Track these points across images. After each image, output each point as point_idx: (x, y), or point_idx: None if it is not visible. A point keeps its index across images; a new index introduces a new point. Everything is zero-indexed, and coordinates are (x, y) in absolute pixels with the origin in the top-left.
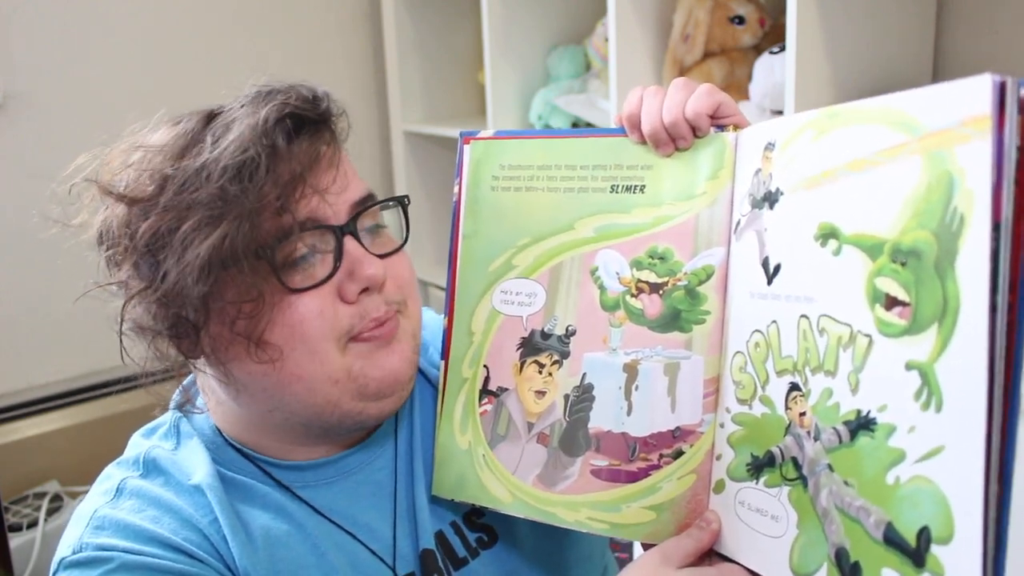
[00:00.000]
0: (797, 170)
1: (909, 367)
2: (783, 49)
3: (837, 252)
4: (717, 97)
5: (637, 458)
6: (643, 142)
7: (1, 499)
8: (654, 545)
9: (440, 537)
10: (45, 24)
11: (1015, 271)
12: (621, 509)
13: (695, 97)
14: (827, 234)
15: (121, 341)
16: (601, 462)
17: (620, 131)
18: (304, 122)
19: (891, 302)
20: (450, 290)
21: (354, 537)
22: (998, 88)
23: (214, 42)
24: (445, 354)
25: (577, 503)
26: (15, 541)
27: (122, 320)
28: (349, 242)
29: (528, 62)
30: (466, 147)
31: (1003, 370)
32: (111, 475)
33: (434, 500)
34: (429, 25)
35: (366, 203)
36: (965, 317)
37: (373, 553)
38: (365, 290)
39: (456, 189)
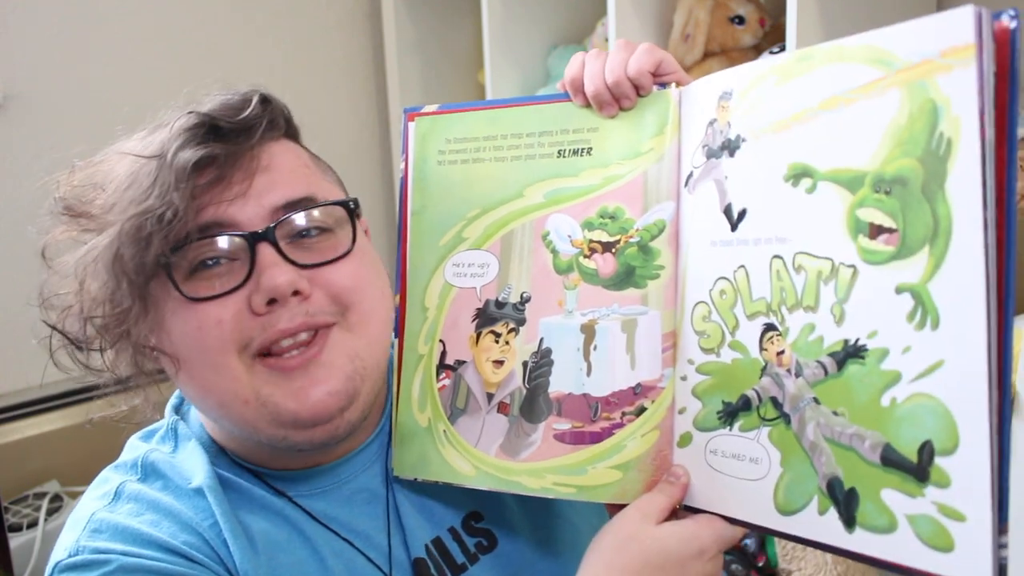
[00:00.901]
0: (762, 115)
1: (900, 290)
2: (783, 49)
3: (811, 189)
4: (657, 55)
5: (600, 418)
6: (587, 105)
7: (1, 499)
8: (621, 508)
9: (437, 544)
10: (45, 24)
11: (1000, 190)
12: (587, 471)
13: (636, 56)
14: (799, 174)
15: (51, 351)
16: (563, 425)
17: (564, 96)
18: (214, 130)
19: (876, 230)
20: (400, 268)
21: (351, 544)
22: (978, 18)
23: (214, 42)
24: (400, 332)
25: (542, 470)
26: (15, 541)
27: (55, 330)
28: (263, 249)
29: (528, 62)
30: (411, 124)
31: (996, 284)
32: (108, 479)
33: (426, 507)
34: (429, 25)
35: (296, 207)
36: (959, 235)
37: (370, 560)
38: (274, 301)
39: (403, 166)
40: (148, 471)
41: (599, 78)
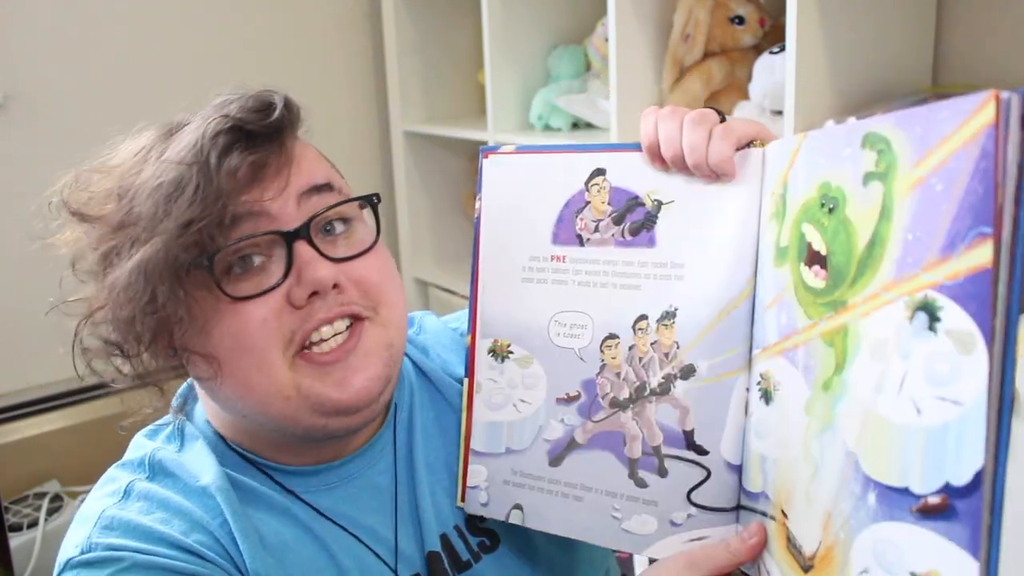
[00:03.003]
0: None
1: None
2: (783, 49)
3: None
4: (733, 138)
5: None
6: (665, 168)
7: (1, 499)
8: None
9: (444, 540)
10: (45, 24)
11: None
12: None
13: (716, 142)
14: None
15: (74, 356)
16: None
17: (636, 146)
18: (247, 135)
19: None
20: (472, 307)
21: (359, 540)
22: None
23: (214, 42)
24: (470, 372)
25: None
26: (15, 541)
27: (76, 334)
28: (300, 246)
29: (528, 62)
30: (486, 161)
31: None
32: (116, 477)
33: (436, 503)
34: (429, 25)
35: (319, 191)
36: None
37: (377, 556)
38: (315, 294)
39: (477, 205)
40: (156, 469)
41: (675, 144)
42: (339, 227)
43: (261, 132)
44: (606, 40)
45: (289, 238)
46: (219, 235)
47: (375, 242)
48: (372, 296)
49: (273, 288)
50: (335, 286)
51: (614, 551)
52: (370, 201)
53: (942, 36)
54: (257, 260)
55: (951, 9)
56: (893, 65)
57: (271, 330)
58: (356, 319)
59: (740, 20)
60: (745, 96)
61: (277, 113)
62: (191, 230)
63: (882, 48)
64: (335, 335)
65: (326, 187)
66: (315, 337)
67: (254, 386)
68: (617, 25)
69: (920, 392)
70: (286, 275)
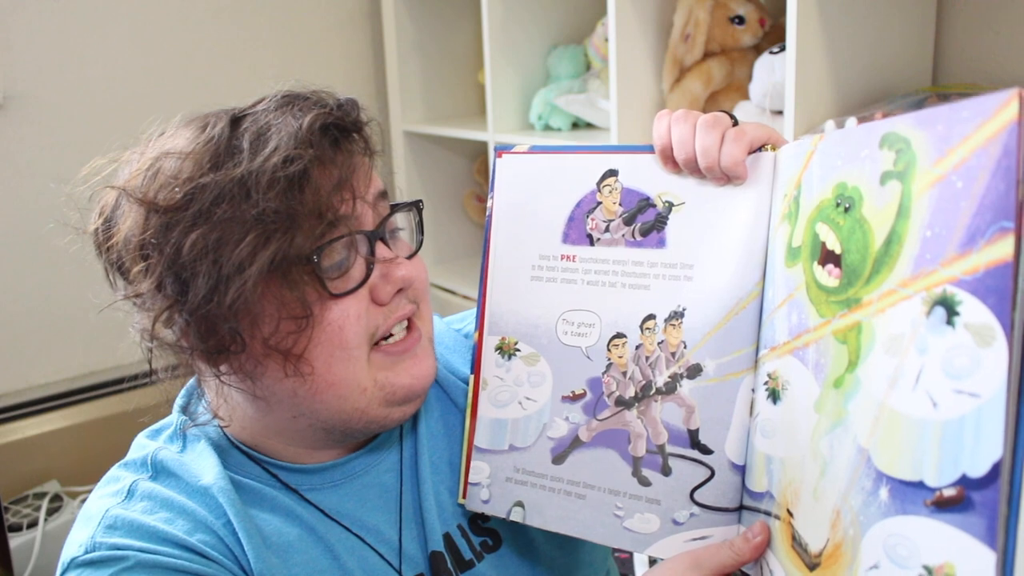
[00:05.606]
0: None
1: None
2: (783, 49)
3: None
4: (746, 140)
5: None
6: (678, 171)
7: (1, 499)
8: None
9: (447, 539)
10: (45, 24)
11: None
12: None
13: (728, 145)
14: None
15: (150, 358)
16: None
17: (648, 148)
18: (341, 130)
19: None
20: (481, 305)
21: (362, 540)
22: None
23: (214, 42)
24: (475, 369)
25: None
26: (15, 541)
27: (153, 336)
28: (381, 246)
29: (528, 62)
30: (499, 161)
31: None
32: (119, 477)
33: (440, 502)
34: (429, 25)
35: (384, 197)
36: None
37: (380, 556)
38: (400, 291)
39: (489, 203)
40: (159, 469)
41: (688, 147)
42: (397, 231)
43: (349, 127)
44: (606, 40)
45: (373, 238)
46: (325, 231)
47: (419, 245)
48: (420, 294)
49: (361, 284)
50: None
51: (614, 551)
52: (416, 206)
53: (942, 36)
54: (343, 258)
55: (951, 9)
56: (893, 65)
57: (362, 325)
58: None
59: (740, 20)
60: (745, 96)
61: (356, 111)
62: (313, 220)
63: (882, 48)
64: (402, 329)
65: (386, 193)
66: (388, 333)
67: (337, 381)
68: (617, 25)
69: (937, 386)
70: (369, 272)
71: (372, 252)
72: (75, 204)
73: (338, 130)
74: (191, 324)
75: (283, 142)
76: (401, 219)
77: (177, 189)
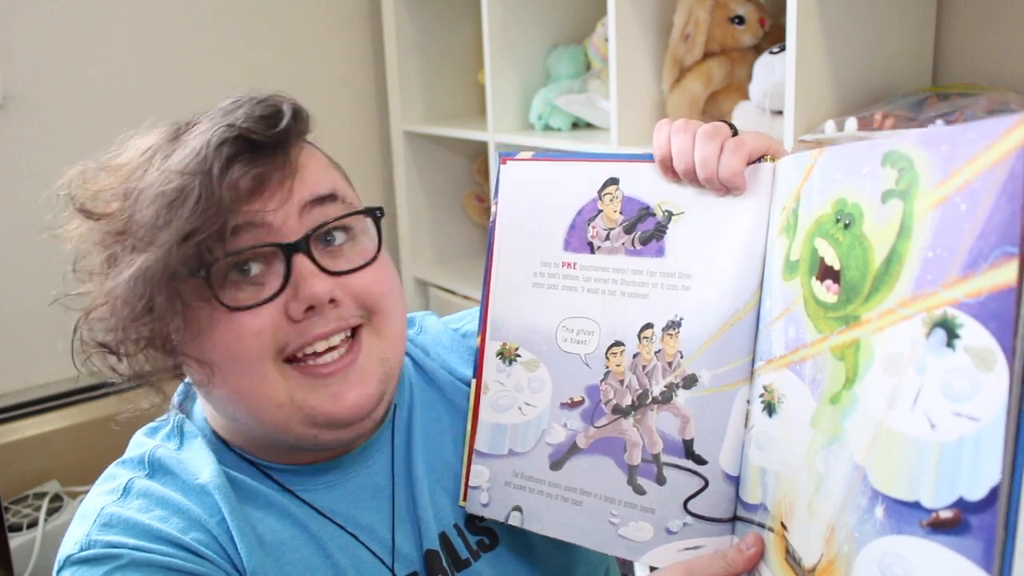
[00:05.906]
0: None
1: None
2: (783, 49)
3: None
4: (745, 151)
5: None
6: (677, 180)
7: (1, 499)
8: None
9: (443, 538)
10: (45, 24)
11: None
12: None
13: (727, 156)
14: None
15: (73, 353)
16: None
17: (649, 157)
18: (251, 144)
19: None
20: (483, 309)
21: (355, 538)
22: None
23: (214, 42)
24: (477, 373)
25: None
26: (15, 541)
27: (75, 331)
28: (299, 259)
29: (528, 62)
30: (503, 168)
31: None
32: (116, 474)
33: (436, 502)
34: (429, 25)
35: (322, 202)
36: None
37: (373, 554)
38: (311, 308)
39: (493, 210)
40: (156, 467)
41: (688, 158)
42: (340, 237)
43: (266, 142)
44: (606, 40)
45: (288, 251)
46: (218, 247)
47: (377, 254)
48: (368, 305)
49: (269, 300)
50: (331, 300)
51: None
52: (372, 215)
53: (942, 36)
54: (255, 270)
55: (951, 9)
56: (893, 65)
57: (264, 341)
58: (354, 330)
59: (740, 20)
60: (745, 96)
61: (284, 123)
62: (191, 242)
63: (882, 48)
64: (331, 349)
65: (330, 197)
66: (309, 350)
67: (245, 393)
68: (617, 25)
69: (935, 407)
70: (283, 288)
71: (288, 266)
72: (51, 208)
73: (244, 143)
74: (110, 327)
75: (185, 156)
76: (366, 225)
77: (108, 198)
